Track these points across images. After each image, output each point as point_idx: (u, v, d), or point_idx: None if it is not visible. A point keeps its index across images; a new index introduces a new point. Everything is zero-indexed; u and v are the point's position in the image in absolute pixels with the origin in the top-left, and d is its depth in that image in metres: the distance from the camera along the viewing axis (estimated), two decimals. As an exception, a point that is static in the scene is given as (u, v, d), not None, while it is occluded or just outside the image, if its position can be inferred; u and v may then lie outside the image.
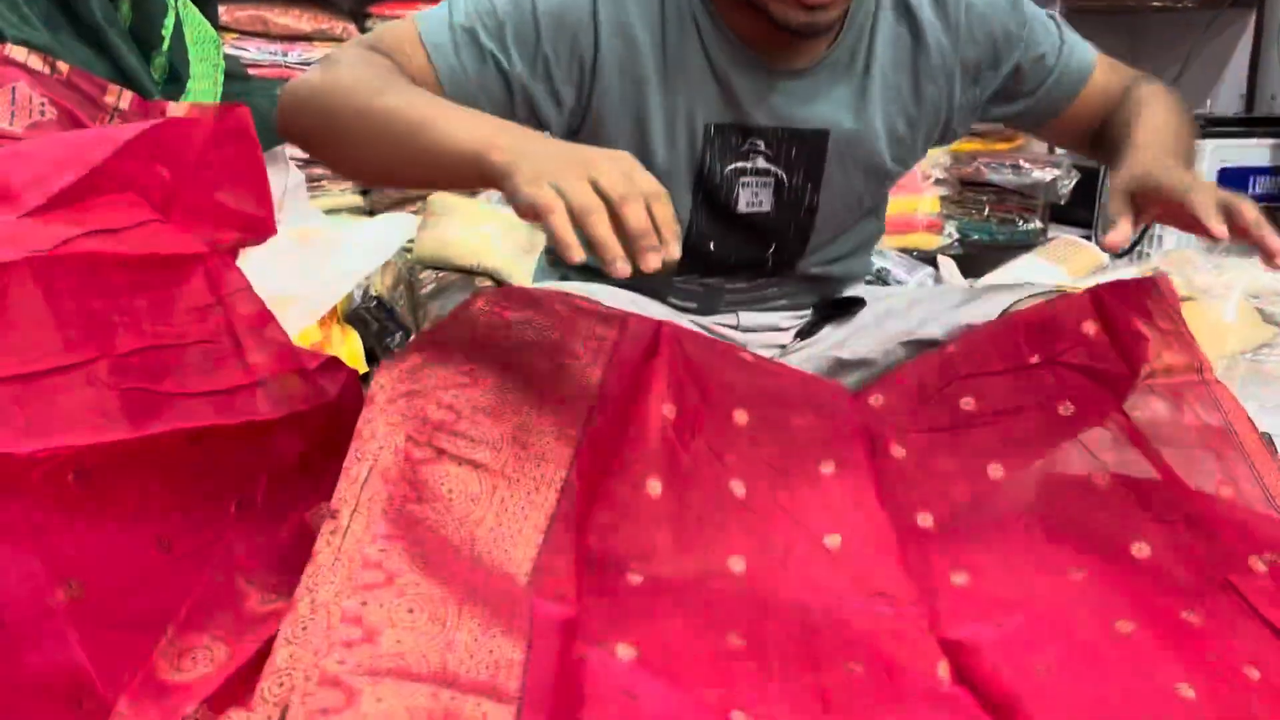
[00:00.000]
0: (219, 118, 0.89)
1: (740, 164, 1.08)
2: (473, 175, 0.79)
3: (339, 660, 0.66)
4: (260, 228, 0.94)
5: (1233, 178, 2.71)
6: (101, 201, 0.83)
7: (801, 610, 0.81)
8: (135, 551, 0.80)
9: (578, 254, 0.71)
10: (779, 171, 1.09)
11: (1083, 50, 1.17)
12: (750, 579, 0.84)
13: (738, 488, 0.89)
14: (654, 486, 0.86)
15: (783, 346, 1.21)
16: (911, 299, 1.22)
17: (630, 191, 0.72)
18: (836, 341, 1.18)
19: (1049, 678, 0.75)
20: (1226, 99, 3.25)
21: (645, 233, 0.71)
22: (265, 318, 0.88)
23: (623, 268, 0.70)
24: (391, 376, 0.81)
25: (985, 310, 1.08)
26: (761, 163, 1.08)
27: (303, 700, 0.64)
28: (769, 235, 1.14)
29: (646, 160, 0.99)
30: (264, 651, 0.77)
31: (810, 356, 1.17)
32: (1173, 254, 0.93)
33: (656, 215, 0.72)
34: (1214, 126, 2.78)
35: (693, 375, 0.93)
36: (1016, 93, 1.16)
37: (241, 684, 0.79)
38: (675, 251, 0.72)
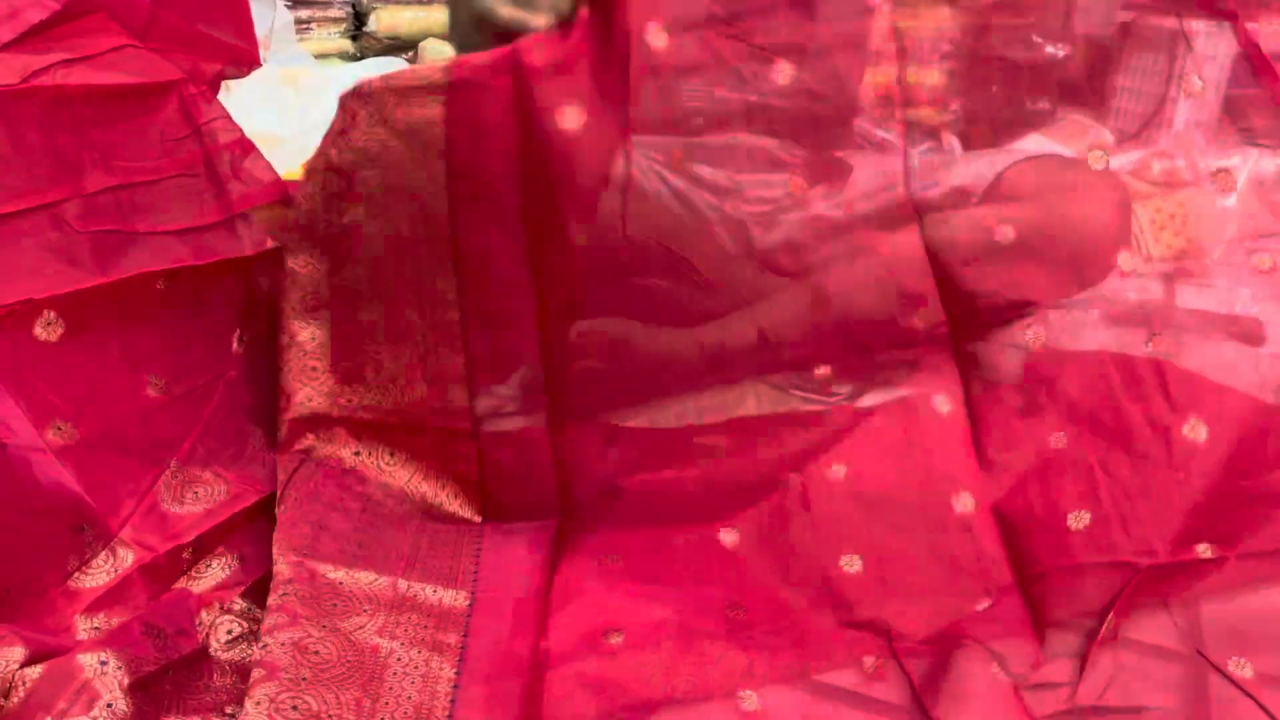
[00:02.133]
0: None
1: None
2: None
3: (306, 549, 0.75)
4: (243, 59, 0.89)
5: None
6: (75, 27, 0.79)
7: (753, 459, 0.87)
8: (126, 394, 0.79)
9: None
10: None
11: None
12: (729, 442, 0.87)
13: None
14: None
15: None
16: None
17: None
18: None
19: None
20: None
21: None
22: (247, 147, 0.85)
23: None
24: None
25: (977, 170, 1.07)
26: None
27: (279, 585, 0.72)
28: None
29: None
30: (262, 503, 0.82)
31: None
32: (1180, 135, 0.91)
33: None
34: None
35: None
36: None
37: (233, 530, 0.81)
38: None
